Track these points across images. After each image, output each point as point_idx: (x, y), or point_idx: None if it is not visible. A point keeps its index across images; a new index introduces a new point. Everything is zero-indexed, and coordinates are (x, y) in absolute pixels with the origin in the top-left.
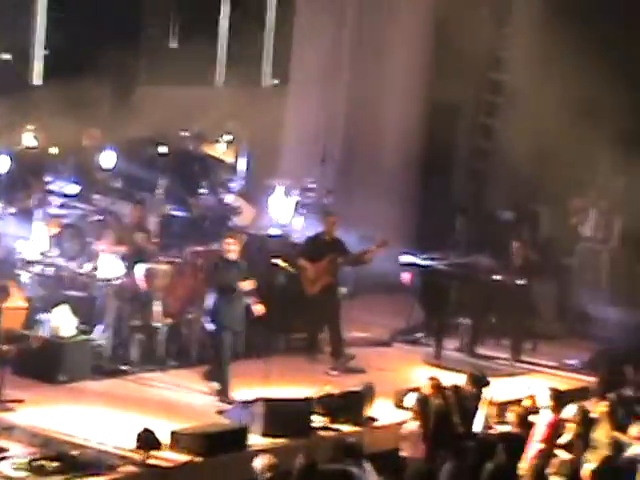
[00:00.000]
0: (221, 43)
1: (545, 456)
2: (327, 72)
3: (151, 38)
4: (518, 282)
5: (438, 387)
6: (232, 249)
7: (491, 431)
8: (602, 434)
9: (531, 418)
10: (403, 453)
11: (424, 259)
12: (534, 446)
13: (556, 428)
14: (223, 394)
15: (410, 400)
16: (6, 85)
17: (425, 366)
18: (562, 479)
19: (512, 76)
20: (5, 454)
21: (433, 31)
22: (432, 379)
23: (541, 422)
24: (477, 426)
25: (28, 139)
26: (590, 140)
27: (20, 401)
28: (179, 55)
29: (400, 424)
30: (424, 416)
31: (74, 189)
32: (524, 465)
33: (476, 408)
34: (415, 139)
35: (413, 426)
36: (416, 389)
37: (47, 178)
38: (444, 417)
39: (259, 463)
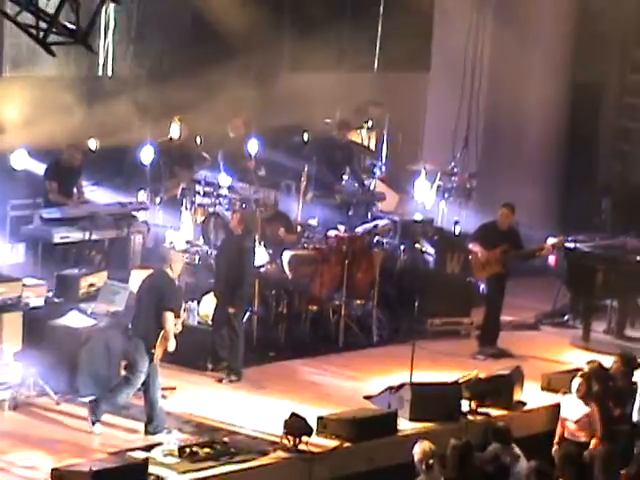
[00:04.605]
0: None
1: None
2: (467, 56)
3: (295, 24)
4: None
5: (599, 370)
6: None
7: None
8: None
9: None
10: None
11: (570, 241)
12: None
13: None
14: None
15: (575, 385)
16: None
17: (573, 349)
18: None
19: None
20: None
21: (577, 10)
22: (592, 362)
23: None
24: (636, 413)
25: (174, 130)
26: None
27: (172, 388)
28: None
29: (548, 408)
30: (597, 399)
31: (226, 179)
32: None
33: (628, 390)
34: (557, 121)
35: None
36: (567, 372)
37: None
38: (601, 401)
39: (419, 449)
